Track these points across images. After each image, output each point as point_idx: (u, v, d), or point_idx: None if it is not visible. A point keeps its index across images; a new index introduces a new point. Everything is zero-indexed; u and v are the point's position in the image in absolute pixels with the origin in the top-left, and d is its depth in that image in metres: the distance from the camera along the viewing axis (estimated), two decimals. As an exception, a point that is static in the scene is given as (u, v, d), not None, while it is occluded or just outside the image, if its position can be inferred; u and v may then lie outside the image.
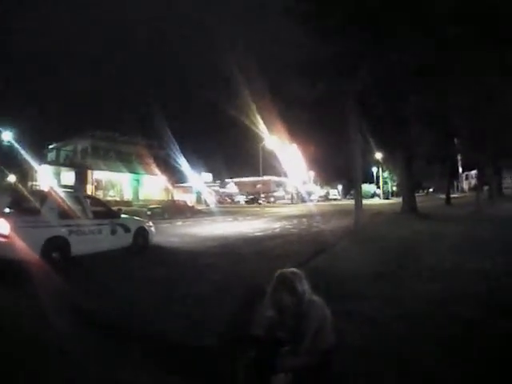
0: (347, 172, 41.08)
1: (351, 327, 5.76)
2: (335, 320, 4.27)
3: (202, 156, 78.81)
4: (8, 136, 37.15)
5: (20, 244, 9.42)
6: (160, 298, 8.03)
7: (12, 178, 40.29)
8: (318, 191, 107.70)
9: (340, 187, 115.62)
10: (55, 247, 10.58)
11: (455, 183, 66.91)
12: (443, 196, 48.60)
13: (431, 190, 73.81)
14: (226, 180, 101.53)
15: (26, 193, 12.84)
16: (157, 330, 6.11)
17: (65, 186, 16.07)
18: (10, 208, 11.29)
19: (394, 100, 25.85)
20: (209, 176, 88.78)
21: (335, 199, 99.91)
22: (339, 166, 51.31)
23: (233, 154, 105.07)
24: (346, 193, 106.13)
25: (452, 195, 50.09)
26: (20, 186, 33.19)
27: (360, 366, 4.76)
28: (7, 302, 7.53)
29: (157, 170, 55.34)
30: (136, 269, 11.37)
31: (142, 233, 14.49)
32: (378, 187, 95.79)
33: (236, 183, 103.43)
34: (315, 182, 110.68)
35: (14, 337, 5.69)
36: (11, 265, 9.31)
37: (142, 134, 56.36)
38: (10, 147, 36.78)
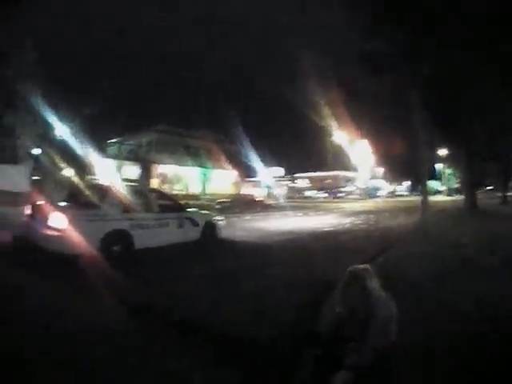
0: (414, 168, 40.49)
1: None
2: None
3: (273, 150, 78.72)
4: (64, 130, 37.68)
5: (78, 238, 9.38)
6: (225, 292, 7.87)
7: (69, 172, 40.84)
8: (386, 187, 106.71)
9: (407, 183, 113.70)
10: (116, 241, 10.56)
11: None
12: (501, 194, 47.03)
13: (491, 187, 71.70)
14: (296, 175, 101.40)
15: (84, 186, 12.87)
16: (220, 325, 5.99)
17: (128, 180, 16.13)
18: (67, 201, 11.26)
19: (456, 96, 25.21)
20: (280, 170, 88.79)
21: (402, 195, 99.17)
22: (407, 162, 50.42)
23: (303, 148, 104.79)
24: (412, 189, 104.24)
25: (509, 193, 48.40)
26: (78, 179, 33.66)
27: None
28: (65, 297, 7.36)
29: (226, 164, 55.27)
30: (203, 263, 11.19)
31: (210, 227, 14.44)
32: (442, 184, 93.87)
33: (306, 178, 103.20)
34: (383, 178, 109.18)
35: (75, 333, 5.59)
36: (69, 259, 9.25)
37: (211, 128, 56.15)
38: (67, 141, 37.28)
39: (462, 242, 13.73)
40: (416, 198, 48.20)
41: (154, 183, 45.97)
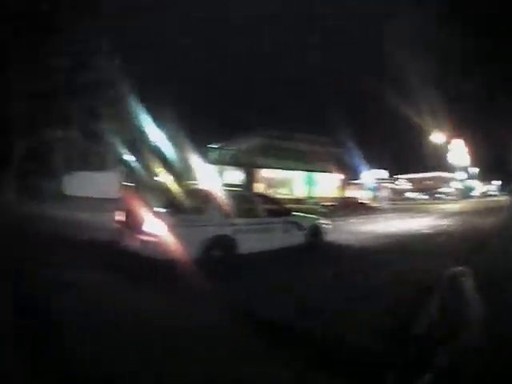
0: (504, 168, 39.38)
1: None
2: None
3: (376, 152, 78.10)
4: (161, 135, 38.22)
5: (177, 244, 9.08)
6: (329, 297, 7.80)
7: (166, 178, 41.20)
8: (479, 187, 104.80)
9: (497, 183, 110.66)
10: (218, 246, 10.18)
11: None
12: None
13: None
14: (397, 176, 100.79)
15: (184, 192, 12.52)
16: (319, 330, 5.92)
17: (232, 185, 15.95)
18: (164, 207, 10.82)
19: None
20: (383, 172, 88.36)
21: (492, 195, 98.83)
22: (497, 161, 49.06)
23: (404, 149, 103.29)
24: (502, 189, 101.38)
25: None
26: (177, 185, 33.67)
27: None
28: (166, 302, 7.25)
29: (330, 167, 54.56)
30: (306, 267, 11.14)
31: (315, 230, 13.99)
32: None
33: (406, 179, 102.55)
34: (477, 178, 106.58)
35: (180, 336, 5.51)
36: (169, 264, 8.90)
37: (314, 131, 55.59)
38: (163, 146, 37.76)
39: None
40: (505, 198, 48.06)
41: (259, 188, 46.01)
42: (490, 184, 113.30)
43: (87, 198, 30.10)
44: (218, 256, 10.08)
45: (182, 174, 40.80)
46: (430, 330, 4.42)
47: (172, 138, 38.89)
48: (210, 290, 7.68)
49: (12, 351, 4.91)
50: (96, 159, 32.24)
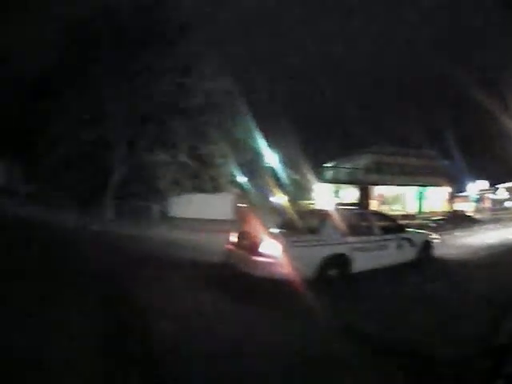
0: None
1: None
2: None
3: (478, 163, 75.65)
4: (276, 156, 38.45)
5: (293, 264, 9.09)
6: (432, 318, 7.67)
7: (281, 198, 41.37)
8: None
9: None
10: (334, 265, 10.12)
11: None
12: None
13: None
14: (497, 186, 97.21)
15: (299, 212, 12.57)
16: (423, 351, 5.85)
17: (348, 204, 15.70)
18: (281, 228, 11.24)
19: None
20: (485, 183, 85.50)
21: None
22: None
23: (503, 158, 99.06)
24: None
25: None
26: (293, 205, 33.87)
27: None
28: (283, 322, 7.42)
29: (439, 181, 53.77)
30: (415, 284, 10.87)
31: (426, 246, 13.80)
32: None
33: (505, 189, 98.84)
34: None
35: (300, 354, 5.69)
36: (284, 285, 8.93)
37: (423, 146, 54.36)
38: (277, 168, 37.97)
39: None
40: None
41: (373, 205, 46.24)
42: None
43: (197, 220, 30.66)
44: (333, 275, 10.07)
45: (297, 194, 41.22)
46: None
47: (286, 159, 39.29)
48: (326, 309, 7.63)
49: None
50: (206, 181, 32.93)
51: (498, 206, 76.11)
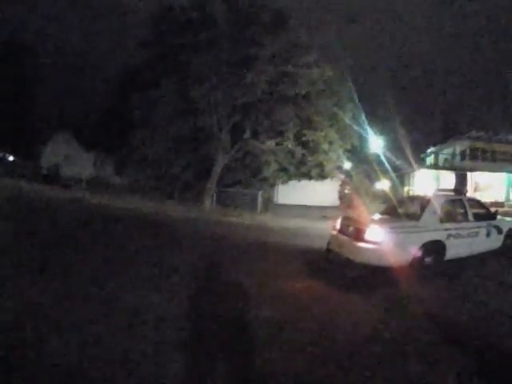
0: None
1: None
2: None
3: None
4: (379, 145, 38.45)
5: (393, 250, 9.46)
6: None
7: (383, 185, 41.50)
8: None
9: None
10: (430, 252, 10.41)
11: None
12: None
13: None
14: None
15: (400, 198, 13.02)
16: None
17: (446, 190, 16.17)
18: (384, 214, 11.76)
19: None
20: None
21: None
22: None
23: None
24: None
25: None
26: (393, 191, 34.02)
27: None
28: (371, 307, 7.82)
29: None
30: (503, 273, 11.20)
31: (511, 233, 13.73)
32: None
33: None
34: None
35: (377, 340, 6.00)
36: (383, 271, 9.53)
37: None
38: (381, 154, 37.95)
39: None
40: None
41: (468, 191, 44.69)
42: None
43: (302, 207, 31.43)
44: (429, 262, 10.39)
45: (399, 180, 41.22)
46: None
47: (390, 145, 39.40)
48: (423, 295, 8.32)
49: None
50: (312, 168, 33.22)
51: None
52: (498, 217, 13.68)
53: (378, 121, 36.55)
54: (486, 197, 45.37)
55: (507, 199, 48.35)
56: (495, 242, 12.95)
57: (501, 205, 41.63)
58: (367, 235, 9.72)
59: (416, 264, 9.95)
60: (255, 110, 30.56)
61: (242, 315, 6.89)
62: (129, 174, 40.08)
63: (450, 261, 10.90)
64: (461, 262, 11.30)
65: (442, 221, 10.98)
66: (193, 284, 8.60)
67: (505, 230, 13.43)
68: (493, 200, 43.76)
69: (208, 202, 31.62)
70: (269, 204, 34.42)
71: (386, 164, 37.62)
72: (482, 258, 12.12)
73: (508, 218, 15.08)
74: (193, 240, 15.46)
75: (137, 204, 27.44)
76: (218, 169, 31.99)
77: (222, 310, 6.98)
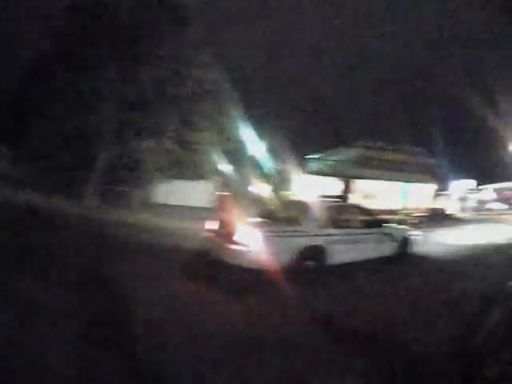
0: None
1: None
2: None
3: (465, 162, 76.57)
4: (259, 147, 38.68)
5: (270, 253, 9.22)
6: (411, 309, 8.12)
7: (262, 188, 41.70)
8: None
9: None
10: (310, 256, 10.22)
11: None
12: None
13: None
14: (482, 186, 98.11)
15: (278, 202, 12.68)
16: (401, 340, 6.30)
17: (328, 196, 15.99)
18: (260, 217, 11.46)
19: None
20: (472, 182, 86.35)
21: None
22: None
23: (490, 159, 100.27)
24: None
25: None
26: (274, 195, 34.22)
27: None
28: (254, 311, 7.61)
29: (423, 178, 54.24)
30: (394, 278, 11.35)
31: (404, 241, 14.11)
32: None
33: (492, 189, 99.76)
34: None
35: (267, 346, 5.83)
36: (259, 274, 9.16)
37: (408, 142, 55.16)
38: (259, 157, 38.27)
39: None
40: None
41: (355, 198, 45.73)
42: None
43: (179, 207, 31.11)
44: (310, 266, 10.18)
45: (278, 184, 41.52)
46: (490, 342, 4.41)
47: (271, 148, 39.58)
48: (299, 299, 8.01)
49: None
50: (190, 168, 33.10)
51: (482, 206, 77.22)
52: (392, 225, 14.30)
53: (261, 124, 36.35)
54: (377, 205, 46.55)
55: (401, 207, 50.11)
56: (386, 248, 13.14)
57: (395, 213, 42.98)
58: (240, 238, 9.61)
59: (296, 268, 9.75)
60: (141, 108, 29.82)
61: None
62: (22, 166, 37.82)
63: (338, 266, 10.96)
64: (349, 268, 11.31)
65: (323, 226, 10.91)
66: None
67: (398, 237, 13.73)
68: (386, 208, 44.93)
69: (89, 199, 30.39)
70: (147, 203, 33.72)
71: (268, 168, 37.86)
72: (373, 265, 12.22)
73: (401, 226, 15.62)
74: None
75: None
76: (99, 165, 31.03)
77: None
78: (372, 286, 10.04)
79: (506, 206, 79.76)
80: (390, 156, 52.07)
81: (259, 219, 11.30)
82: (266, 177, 39.55)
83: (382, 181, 50.56)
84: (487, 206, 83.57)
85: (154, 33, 28.10)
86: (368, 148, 50.51)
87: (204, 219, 11.89)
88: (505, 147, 69.64)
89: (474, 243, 20.54)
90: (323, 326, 6.89)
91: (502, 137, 55.17)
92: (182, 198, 33.93)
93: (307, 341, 6.09)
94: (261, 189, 40.81)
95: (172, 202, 32.95)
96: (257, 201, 32.70)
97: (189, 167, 32.91)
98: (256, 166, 38.60)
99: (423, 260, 14.70)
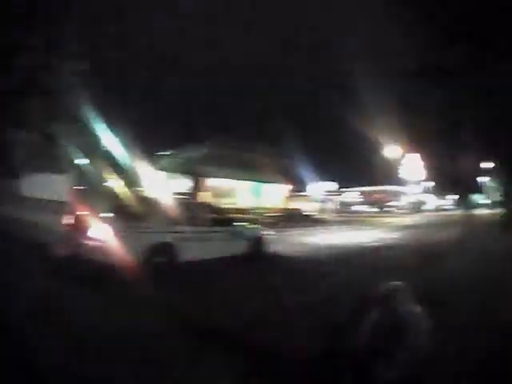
0: (460, 182, 40.27)
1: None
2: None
3: (325, 164, 78.53)
4: (113, 141, 38.44)
5: (122, 249, 9.66)
6: (268, 306, 8.22)
7: (116, 183, 41.33)
8: (434, 201, 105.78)
9: (453, 197, 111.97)
10: (160, 253, 10.90)
11: None
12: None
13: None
14: (346, 189, 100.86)
15: (131, 198, 13.36)
16: (261, 339, 6.32)
17: (179, 193, 16.41)
18: (114, 213, 11.39)
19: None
20: (332, 185, 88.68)
21: (447, 209, 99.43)
22: (453, 176, 50.16)
23: (353, 162, 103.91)
24: (458, 203, 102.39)
25: None
26: (125, 191, 34.27)
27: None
28: (106, 307, 7.68)
29: (277, 178, 54.96)
30: (248, 276, 11.67)
31: (257, 241, 14.56)
32: (487, 197, 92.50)
33: (356, 192, 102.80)
34: (432, 192, 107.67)
35: (119, 348, 5.68)
36: (113, 269, 9.44)
37: (262, 141, 55.84)
38: (116, 152, 38.00)
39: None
40: (460, 212, 50.47)
41: (206, 197, 46.01)
42: (446, 198, 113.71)
43: (44, 200, 29.79)
44: (161, 263, 10.80)
45: (131, 180, 41.21)
46: (368, 342, 4.19)
47: (124, 144, 39.22)
48: (150, 295, 8.21)
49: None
50: (52, 161, 31.20)
51: (346, 209, 79.55)
52: (241, 223, 14.53)
53: (120, 119, 36.12)
54: (229, 203, 47.20)
55: (254, 207, 50.64)
56: (237, 247, 13.68)
57: (247, 212, 43.47)
58: (94, 233, 10.06)
59: (146, 264, 10.19)
60: (8, 99, 28.32)
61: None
62: None
63: (189, 264, 11.46)
64: (202, 266, 11.81)
65: (171, 223, 11.58)
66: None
67: (249, 236, 14.36)
68: (238, 207, 45.72)
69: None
70: (14, 196, 31.99)
71: (121, 163, 37.64)
72: (227, 263, 12.69)
73: (253, 226, 15.95)
74: None
75: None
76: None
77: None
78: (224, 284, 10.32)
79: (376, 209, 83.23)
80: (241, 155, 52.03)
81: (112, 215, 11.21)
82: (120, 172, 39.21)
83: (234, 180, 51.09)
84: (354, 208, 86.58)
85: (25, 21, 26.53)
86: (218, 146, 50.62)
87: (62, 213, 11.67)
88: (372, 153, 73.14)
89: (331, 244, 21.25)
90: (170, 324, 6.87)
91: (367, 142, 57.96)
92: (45, 191, 32.77)
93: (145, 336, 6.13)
94: (115, 184, 40.71)
95: (38, 195, 30.46)
96: (111, 196, 32.89)
97: (51, 160, 31.21)
98: (111, 161, 38.18)
99: (281, 259, 15.33)
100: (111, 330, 6.26)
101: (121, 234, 10.07)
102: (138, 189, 18.76)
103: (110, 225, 10.17)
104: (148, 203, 12.18)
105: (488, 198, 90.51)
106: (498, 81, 21.68)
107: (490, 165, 54.51)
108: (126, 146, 37.92)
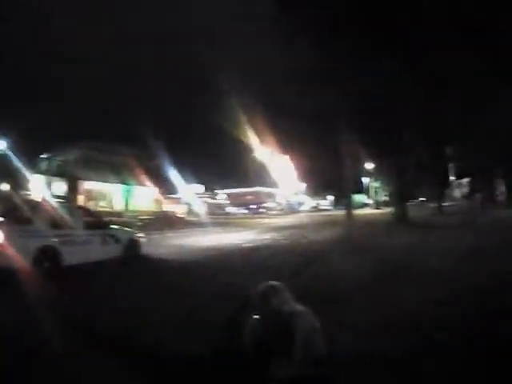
0: (338, 183, 41.46)
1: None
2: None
3: (193, 167, 78.89)
4: (1, 145, 37.31)
5: (12, 253, 9.46)
6: (148, 308, 8.04)
7: (4, 187, 40.31)
8: (309, 202, 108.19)
9: (330, 198, 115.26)
10: (46, 257, 10.60)
11: (447, 192, 66.74)
12: (435, 205, 48.43)
13: (423, 199, 73.29)
14: (217, 191, 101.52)
15: (18, 202, 12.90)
16: (147, 343, 6.02)
17: (57, 196, 15.94)
18: (4, 216, 11.27)
19: (382, 111, 26.00)
20: (201, 187, 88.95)
21: (325, 210, 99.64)
22: (330, 176, 51.51)
23: (223, 165, 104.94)
24: (336, 203, 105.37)
25: (444, 204, 50.02)
26: (13, 194, 33.46)
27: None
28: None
29: (147, 181, 55.38)
30: (125, 279, 11.47)
31: (132, 244, 14.57)
32: (369, 197, 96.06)
33: (226, 194, 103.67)
34: (306, 193, 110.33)
35: (10, 350, 5.49)
36: (3, 273, 9.21)
37: (131, 145, 55.98)
38: (3, 156, 36.97)
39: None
40: (340, 212, 49.70)
41: (80, 199, 45.42)
42: (325, 199, 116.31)
43: None
44: (47, 267, 10.55)
45: (18, 183, 40.08)
46: (256, 344, 4.02)
47: (9, 147, 38.12)
48: (38, 300, 7.81)
49: None
50: None
51: (220, 211, 79.86)
52: (115, 227, 14.60)
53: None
54: (101, 206, 46.67)
55: (126, 209, 50.26)
56: (113, 250, 13.52)
57: (120, 215, 43.04)
58: None
59: (37, 268, 10.07)
60: None
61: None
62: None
63: (73, 267, 11.28)
64: (86, 269, 11.66)
65: (52, 227, 11.40)
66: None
67: (124, 239, 14.20)
68: (110, 210, 45.12)
69: None
70: None
71: (7, 166, 36.89)
72: (108, 266, 12.64)
73: (126, 229, 16.04)
74: None
75: None
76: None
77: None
78: (101, 287, 10.07)
79: (246, 211, 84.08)
80: (110, 157, 52.50)
81: (2, 218, 11.19)
82: (7, 175, 38.27)
83: (106, 182, 51.25)
84: (227, 210, 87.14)
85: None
86: (88, 148, 50.74)
87: None
88: (244, 155, 73.95)
89: (204, 245, 20.79)
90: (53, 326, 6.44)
91: (238, 144, 58.54)
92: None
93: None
94: (3, 187, 39.55)
95: None
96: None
97: None
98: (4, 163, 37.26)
99: (158, 261, 15.22)
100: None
101: (11, 237, 9.96)
102: (26, 192, 18.22)
103: (1, 228, 10.00)
104: (31, 206, 12.04)
105: (370, 197, 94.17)
106: (370, 85, 22.46)
107: (372, 166, 57.19)
108: (11, 149, 37.21)
